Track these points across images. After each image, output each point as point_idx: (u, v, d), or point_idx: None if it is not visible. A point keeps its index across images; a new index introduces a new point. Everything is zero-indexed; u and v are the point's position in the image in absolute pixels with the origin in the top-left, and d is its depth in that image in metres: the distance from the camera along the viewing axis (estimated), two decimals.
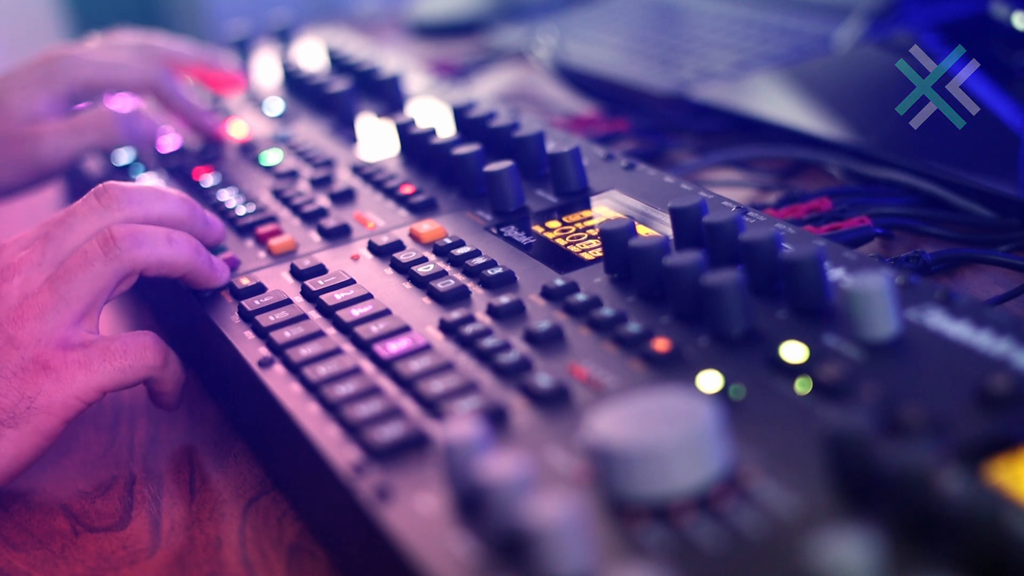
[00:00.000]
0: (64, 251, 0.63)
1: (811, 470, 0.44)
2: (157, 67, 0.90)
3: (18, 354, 0.61)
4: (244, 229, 0.76)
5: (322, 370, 0.57)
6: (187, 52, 0.97)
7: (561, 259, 0.65)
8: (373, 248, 0.70)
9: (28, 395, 0.61)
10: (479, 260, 0.65)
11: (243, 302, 0.65)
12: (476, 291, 0.63)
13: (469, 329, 0.58)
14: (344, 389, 0.55)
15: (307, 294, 0.65)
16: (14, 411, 0.61)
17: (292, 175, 0.84)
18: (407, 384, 0.55)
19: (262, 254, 0.73)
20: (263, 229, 0.75)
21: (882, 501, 0.41)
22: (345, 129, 0.91)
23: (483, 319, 0.59)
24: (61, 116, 0.88)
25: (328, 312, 0.63)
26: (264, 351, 0.61)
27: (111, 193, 0.65)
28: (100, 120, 0.86)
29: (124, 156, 0.92)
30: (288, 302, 0.64)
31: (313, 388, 0.56)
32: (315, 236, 0.74)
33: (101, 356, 0.62)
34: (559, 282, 0.61)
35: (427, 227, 0.71)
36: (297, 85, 1.01)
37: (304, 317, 0.63)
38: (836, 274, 0.57)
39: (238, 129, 0.94)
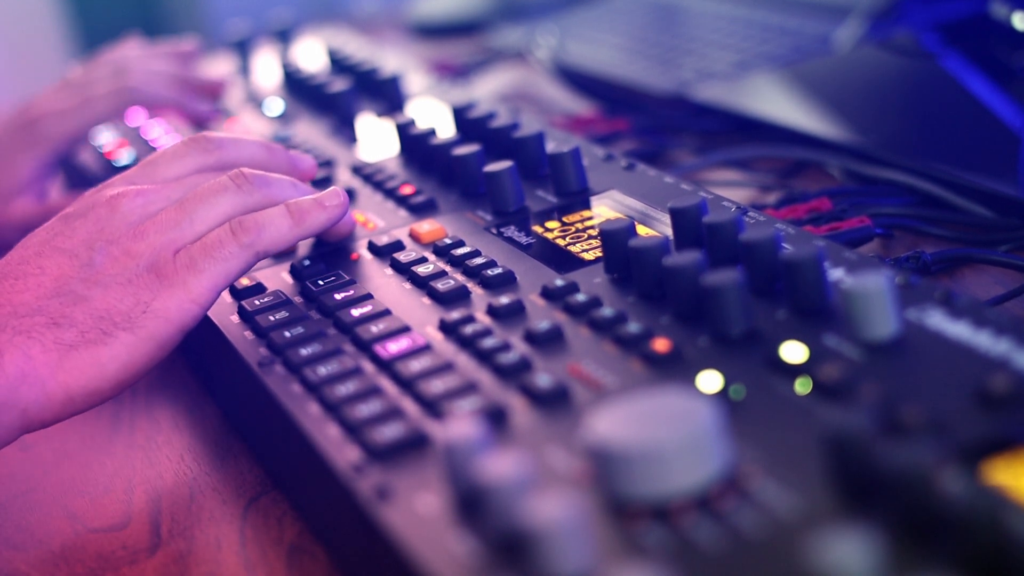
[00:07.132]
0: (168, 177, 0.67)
1: (811, 470, 0.44)
2: (125, 84, 0.89)
3: (134, 263, 0.62)
4: None
5: (322, 370, 0.57)
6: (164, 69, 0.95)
7: (561, 259, 0.65)
8: (373, 248, 0.70)
9: (144, 300, 0.61)
10: (479, 260, 0.65)
11: (243, 302, 0.65)
12: (476, 291, 0.63)
13: (469, 329, 0.58)
14: (344, 389, 0.55)
15: (307, 294, 0.65)
16: (130, 315, 0.60)
17: None
18: (407, 384, 0.55)
19: None
20: None
21: (882, 501, 0.41)
22: (345, 129, 0.91)
23: (483, 319, 0.59)
24: (49, 180, 0.89)
25: (328, 312, 0.63)
26: (264, 351, 0.61)
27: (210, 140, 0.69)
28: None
29: (125, 157, 0.92)
30: (288, 302, 0.64)
31: (313, 388, 0.56)
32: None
33: (203, 251, 0.62)
34: (559, 282, 0.61)
35: (427, 227, 0.71)
36: (297, 85, 1.01)
37: (304, 317, 0.63)
38: (836, 274, 0.57)
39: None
